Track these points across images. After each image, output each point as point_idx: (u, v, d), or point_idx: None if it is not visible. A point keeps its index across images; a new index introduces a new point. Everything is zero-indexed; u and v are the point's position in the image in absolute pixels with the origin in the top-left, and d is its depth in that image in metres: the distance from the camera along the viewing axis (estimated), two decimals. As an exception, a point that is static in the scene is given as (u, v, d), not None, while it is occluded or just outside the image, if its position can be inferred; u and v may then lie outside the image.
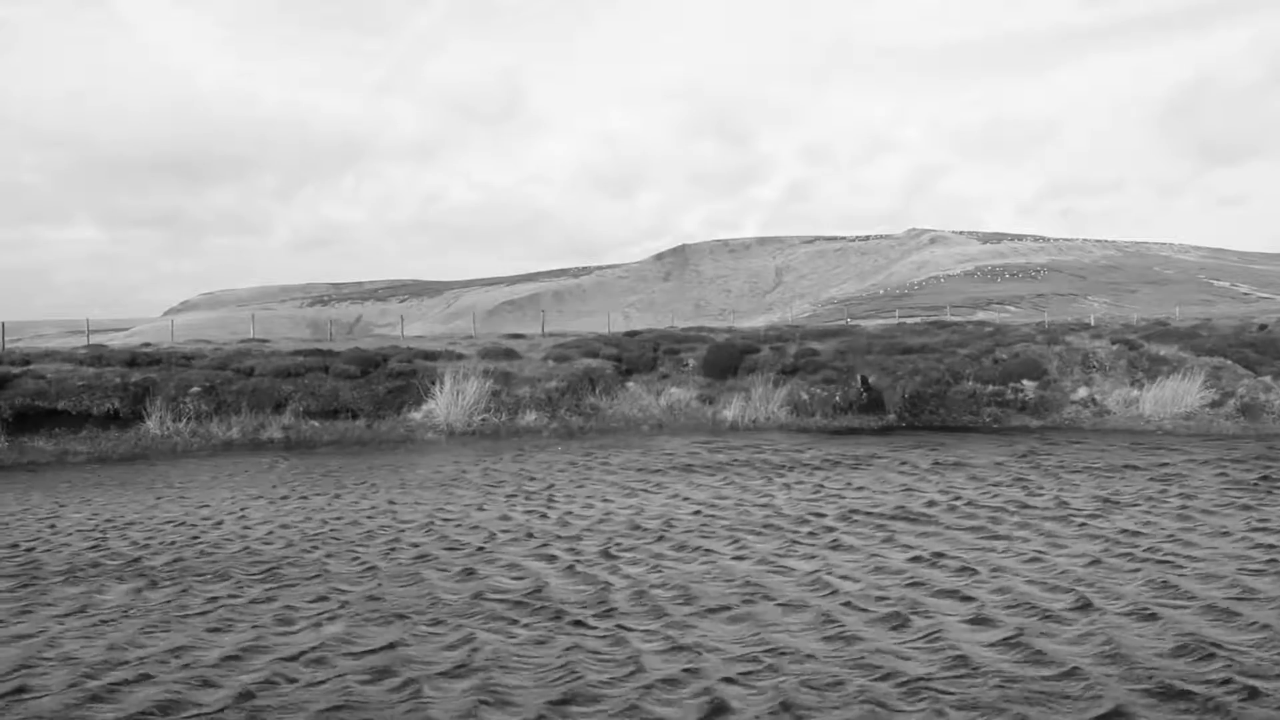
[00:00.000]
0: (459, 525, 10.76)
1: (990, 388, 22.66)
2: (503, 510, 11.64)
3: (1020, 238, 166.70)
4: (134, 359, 22.08)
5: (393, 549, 9.59)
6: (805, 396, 22.64)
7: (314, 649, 6.54)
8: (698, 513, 11.24)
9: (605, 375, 23.62)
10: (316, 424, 20.71)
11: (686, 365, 25.07)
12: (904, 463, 15.47)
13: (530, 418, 21.50)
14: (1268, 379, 21.65)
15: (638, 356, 25.18)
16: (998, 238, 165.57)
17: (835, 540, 9.63)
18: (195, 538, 10.30)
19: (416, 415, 21.40)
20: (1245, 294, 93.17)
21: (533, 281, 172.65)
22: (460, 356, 24.65)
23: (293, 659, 6.37)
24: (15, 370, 20.08)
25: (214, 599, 7.83)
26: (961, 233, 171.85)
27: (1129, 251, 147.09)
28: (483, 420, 21.27)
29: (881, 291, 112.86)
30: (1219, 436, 19.08)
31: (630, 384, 23.75)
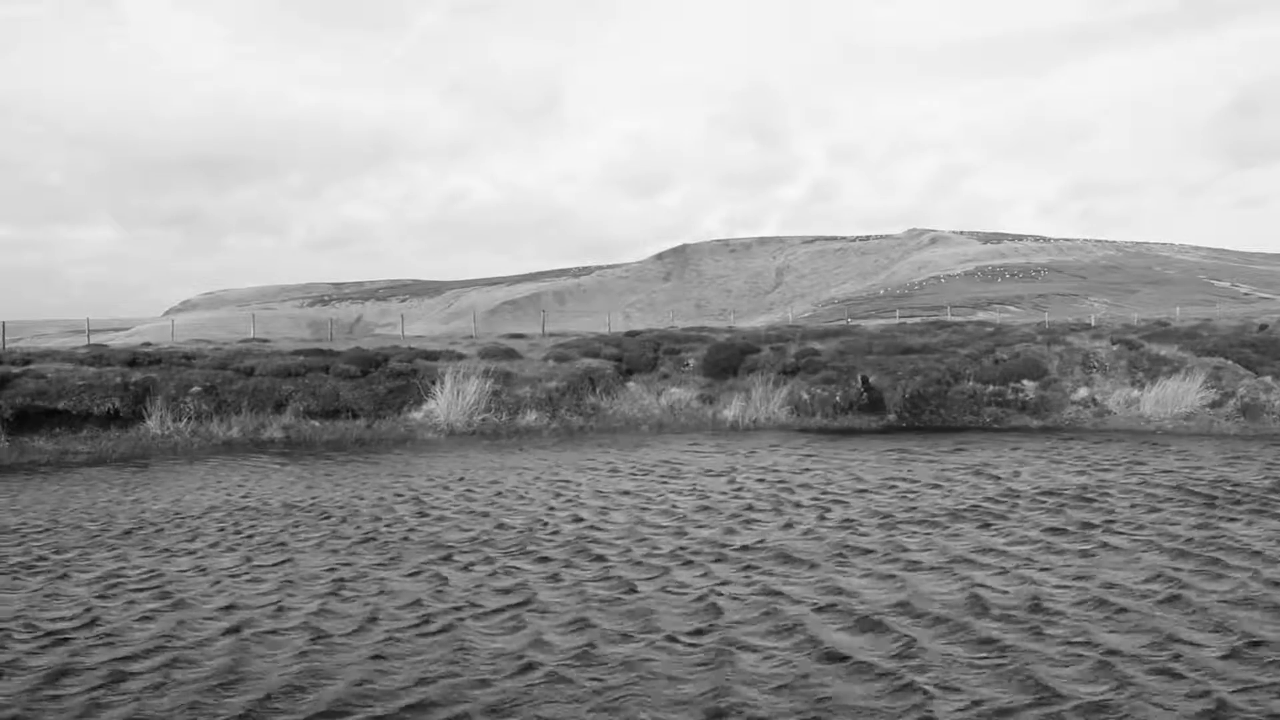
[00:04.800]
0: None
1: (991, 388, 22.66)
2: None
3: (1020, 238, 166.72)
4: (134, 359, 22.09)
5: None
6: (805, 396, 22.65)
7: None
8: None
9: (606, 375, 23.63)
10: (317, 424, 20.72)
11: (687, 365, 25.08)
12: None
13: (531, 417, 21.51)
14: (1268, 379, 21.66)
15: (638, 356, 25.19)
16: (998, 238, 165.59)
17: None
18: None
19: (417, 415, 21.41)
20: (1245, 294, 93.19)
21: (533, 281, 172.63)
22: (461, 356, 24.66)
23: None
24: (16, 370, 20.09)
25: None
26: (962, 233, 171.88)
27: (1129, 251, 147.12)
28: (483, 420, 21.28)
29: (882, 291, 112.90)
30: (1220, 436, 19.08)
31: (631, 384, 23.76)
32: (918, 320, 46.98)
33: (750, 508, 11.58)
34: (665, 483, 13.74)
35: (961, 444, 18.13)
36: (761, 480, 13.75)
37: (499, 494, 12.89)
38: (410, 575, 8.53)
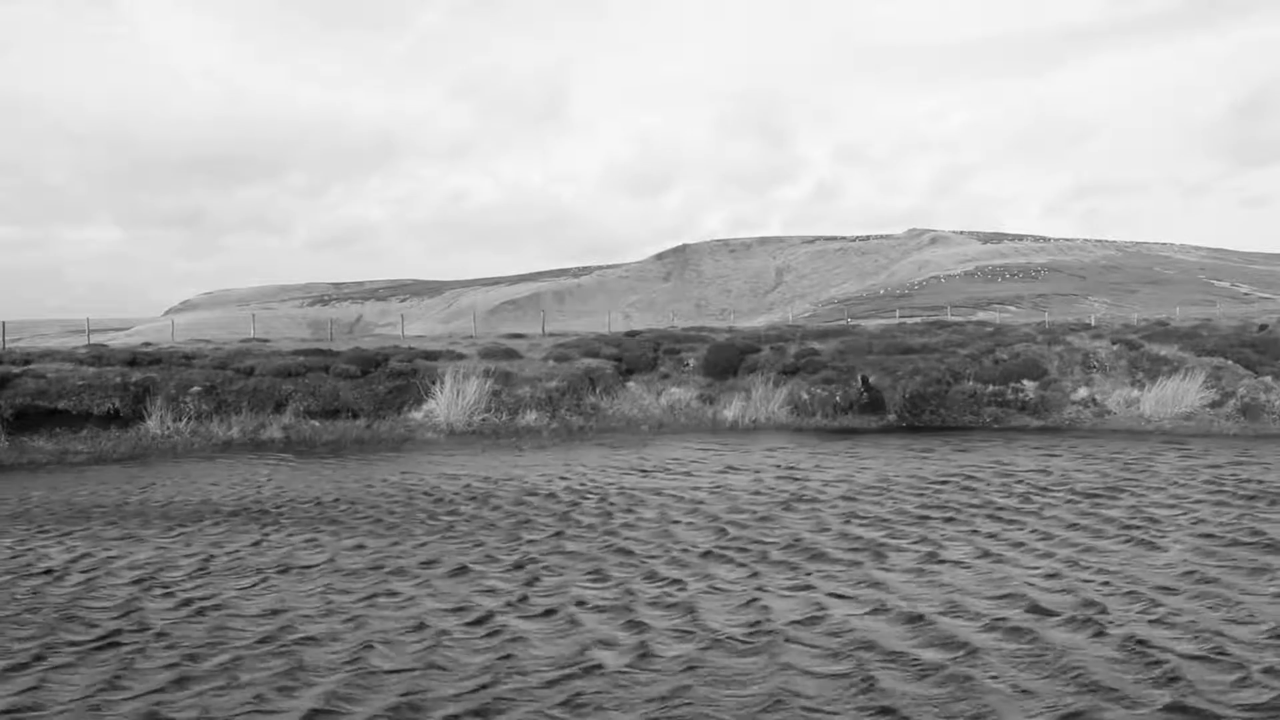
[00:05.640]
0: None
1: (991, 388, 22.66)
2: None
3: (1020, 238, 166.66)
4: (134, 359, 22.08)
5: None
6: (805, 396, 22.65)
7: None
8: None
9: (605, 375, 23.63)
10: (317, 424, 20.72)
11: (687, 365, 25.08)
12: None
13: (531, 417, 21.51)
14: (1268, 379, 21.65)
15: (638, 356, 25.18)
16: (998, 238, 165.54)
17: None
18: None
19: (417, 415, 21.42)
20: (1245, 294, 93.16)
21: (533, 281, 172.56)
22: (461, 356, 24.66)
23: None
24: (15, 370, 20.09)
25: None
26: (962, 233, 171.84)
27: (1129, 251, 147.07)
28: (483, 420, 21.28)
29: (882, 291, 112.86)
30: (1219, 436, 19.08)
31: (630, 384, 23.76)
32: (918, 320, 46.95)
33: (800, 500, 11.81)
34: (725, 475, 14.01)
35: (970, 443, 18.20)
36: (788, 479, 13.87)
37: (551, 492, 12.99)
38: (510, 568, 8.59)
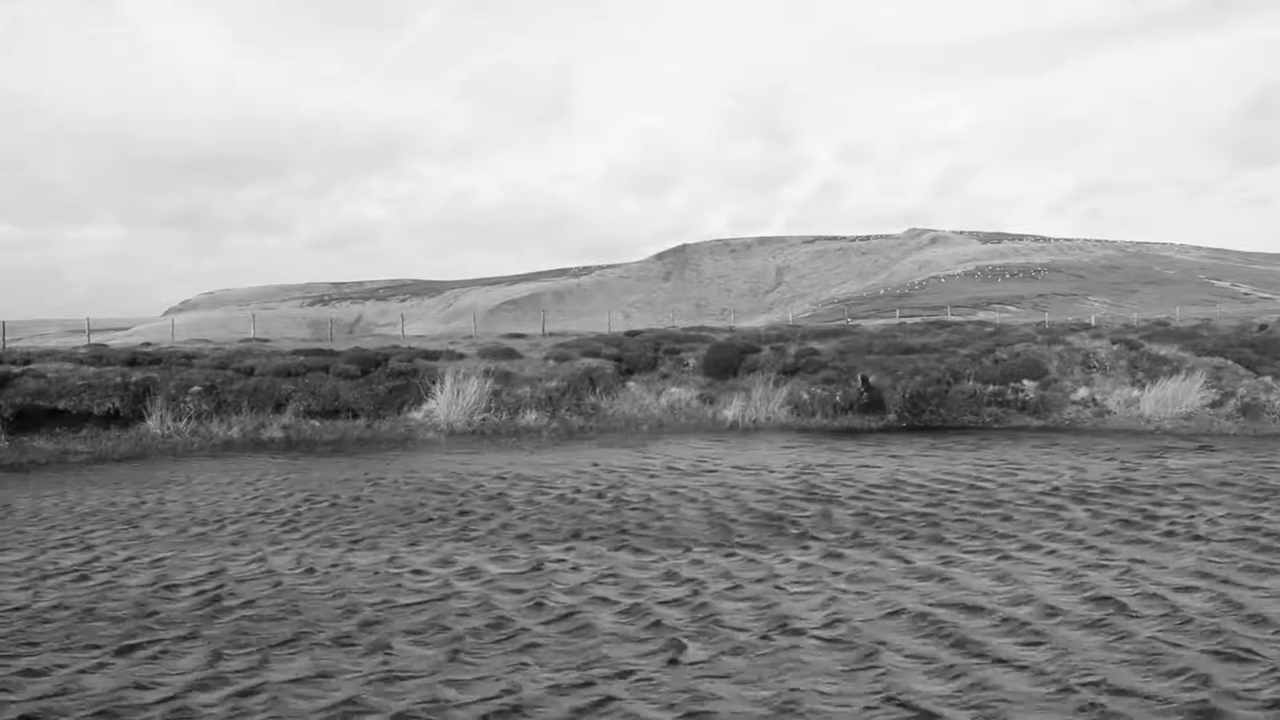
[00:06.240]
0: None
1: (991, 388, 22.66)
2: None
3: (1020, 237, 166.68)
4: (134, 358, 22.09)
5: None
6: (806, 396, 22.66)
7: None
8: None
9: (606, 375, 23.63)
10: (317, 423, 20.73)
11: (687, 365, 25.08)
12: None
13: (531, 417, 21.52)
14: (1268, 379, 21.66)
15: (638, 356, 25.18)
16: (998, 238, 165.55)
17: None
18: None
19: (417, 415, 21.42)
20: (1246, 294, 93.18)
21: (533, 281, 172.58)
22: (461, 356, 24.67)
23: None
24: (16, 369, 20.09)
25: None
26: (962, 232, 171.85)
27: (1129, 251, 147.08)
28: (483, 420, 21.29)
29: (882, 291, 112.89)
30: (1220, 436, 19.09)
31: (631, 384, 23.76)
32: (918, 320, 46.95)
33: (849, 496, 11.93)
34: (761, 475, 14.09)
35: (985, 442, 18.25)
36: (824, 476, 13.96)
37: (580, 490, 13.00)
38: (525, 571, 8.50)
